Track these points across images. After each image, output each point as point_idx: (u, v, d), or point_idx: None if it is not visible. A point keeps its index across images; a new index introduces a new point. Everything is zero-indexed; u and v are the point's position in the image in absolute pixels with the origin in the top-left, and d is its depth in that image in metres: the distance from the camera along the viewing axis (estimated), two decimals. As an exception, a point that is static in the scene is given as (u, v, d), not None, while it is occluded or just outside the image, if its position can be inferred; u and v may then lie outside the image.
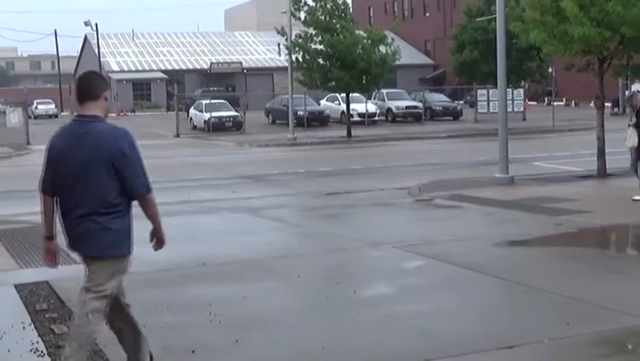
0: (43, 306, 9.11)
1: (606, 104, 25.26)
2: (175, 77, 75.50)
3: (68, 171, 6.11)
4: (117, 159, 6.05)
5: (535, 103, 67.94)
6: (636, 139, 15.86)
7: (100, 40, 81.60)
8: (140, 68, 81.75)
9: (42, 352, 7.51)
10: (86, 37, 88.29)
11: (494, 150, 21.37)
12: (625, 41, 19.48)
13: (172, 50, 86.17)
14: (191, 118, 53.57)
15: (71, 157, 6.09)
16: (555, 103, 51.85)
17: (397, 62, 43.36)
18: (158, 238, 6.47)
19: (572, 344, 7.40)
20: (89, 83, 6.33)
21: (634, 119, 16.40)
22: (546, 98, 67.02)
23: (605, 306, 8.51)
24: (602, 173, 20.24)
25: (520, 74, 52.55)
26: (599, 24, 18.94)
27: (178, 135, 47.22)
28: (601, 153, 20.32)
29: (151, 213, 6.34)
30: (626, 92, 15.39)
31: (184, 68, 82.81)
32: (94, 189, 6.08)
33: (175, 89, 55.47)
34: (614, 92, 49.26)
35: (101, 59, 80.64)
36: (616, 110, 52.97)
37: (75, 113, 6.32)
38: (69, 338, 6.33)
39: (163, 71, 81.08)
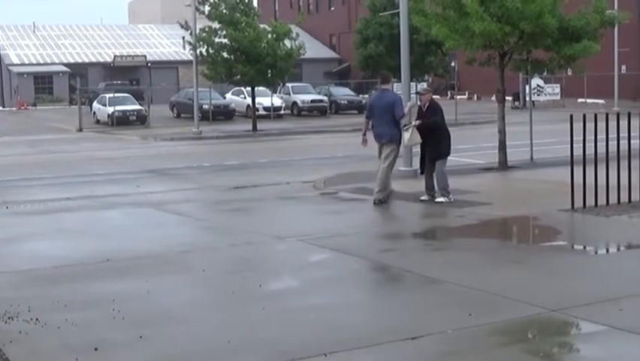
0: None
1: (507, 97, 25.78)
2: (78, 71, 74.14)
3: (376, 109, 15.70)
4: (393, 104, 15.47)
5: (438, 97, 68.50)
6: (419, 137, 15.69)
7: (-1, 33, 79.79)
8: (42, 61, 79.99)
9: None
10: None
11: (398, 143, 21.55)
12: (524, 36, 19.87)
13: (74, 43, 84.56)
14: (94, 112, 52.62)
15: (378, 104, 15.73)
16: (458, 97, 52.49)
17: (303, 56, 43.41)
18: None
19: (475, 334, 7.53)
20: (386, 76, 16.92)
21: (417, 120, 15.88)
22: (449, 92, 67.95)
23: (506, 296, 8.69)
24: (504, 165, 20.62)
25: (423, 68, 53.18)
26: (499, 19, 19.30)
27: (81, 130, 46.40)
28: (502, 146, 20.69)
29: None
30: (420, 85, 16.71)
31: (87, 61, 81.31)
32: (385, 116, 15.47)
33: (78, 82, 54.44)
34: (515, 86, 50.23)
35: (1, 52, 78.82)
36: (517, 103, 54.08)
37: (380, 88, 16.44)
38: (384, 173, 15.71)
39: (65, 65, 79.49)
